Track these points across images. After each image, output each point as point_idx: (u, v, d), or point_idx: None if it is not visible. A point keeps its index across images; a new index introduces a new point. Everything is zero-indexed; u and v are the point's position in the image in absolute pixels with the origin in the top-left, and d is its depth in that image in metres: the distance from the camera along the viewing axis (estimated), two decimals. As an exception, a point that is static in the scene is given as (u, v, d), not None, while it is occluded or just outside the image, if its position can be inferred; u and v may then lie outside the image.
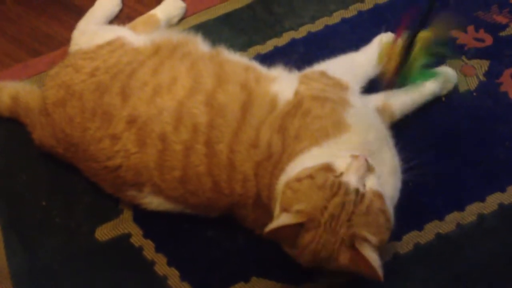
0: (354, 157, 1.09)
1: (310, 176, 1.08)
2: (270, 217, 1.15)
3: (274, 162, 1.19)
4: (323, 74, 1.34)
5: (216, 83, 1.28)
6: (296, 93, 1.28)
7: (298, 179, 1.09)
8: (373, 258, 1.03)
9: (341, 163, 1.09)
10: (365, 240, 1.05)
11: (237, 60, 1.37)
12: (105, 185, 1.36)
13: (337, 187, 1.06)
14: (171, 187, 1.27)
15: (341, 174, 1.08)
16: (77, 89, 1.34)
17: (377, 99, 1.38)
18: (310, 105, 1.24)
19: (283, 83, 1.31)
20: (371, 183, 1.08)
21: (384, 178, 1.15)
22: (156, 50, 1.39)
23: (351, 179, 1.06)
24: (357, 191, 1.05)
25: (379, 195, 1.07)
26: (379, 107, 1.36)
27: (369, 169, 1.09)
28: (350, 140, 1.17)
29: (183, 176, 1.25)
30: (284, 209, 1.09)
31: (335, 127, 1.19)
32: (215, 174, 1.23)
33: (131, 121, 1.27)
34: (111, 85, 1.31)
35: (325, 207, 1.05)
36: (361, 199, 1.05)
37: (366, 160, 1.08)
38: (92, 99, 1.31)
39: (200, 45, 1.43)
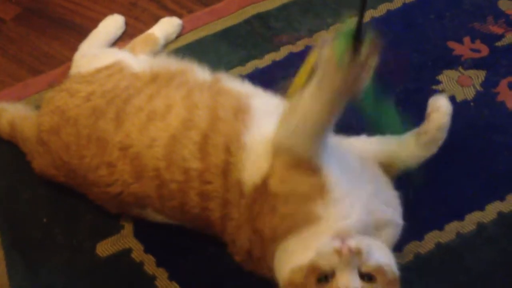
0: (338, 252, 1.01)
1: (302, 286, 1.03)
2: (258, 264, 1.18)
3: (259, 257, 1.18)
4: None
5: (209, 121, 1.22)
6: (263, 180, 1.14)
7: (293, 285, 1.05)
8: None
9: (325, 261, 1.02)
10: None
11: (232, 94, 1.29)
12: (109, 206, 1.37)
13: None
14: (171, 212, 1.28)
15: (332, 273, 1.02)
16: (71, 115, 1.32)
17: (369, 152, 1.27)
18: (275, 202, 1.12)
19: (252, 157, 1.18)
20: (366, 262, 1.03)
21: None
22: (154, 78, 1.36)
23: (346, 283, 1.00)
24: None
25: (378, 270, 1.03)
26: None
27: (358, 252, 1.02)
28: (326, 227, 1.08)
29: (182, 208, 1.24)
30: None
31: (303, 221, 1.09)
32: (210, 222, 1.22)
33: (124, 148, 1.25)
34: (106, 110, 1.30)
35: None
36: None
37: (351, 250, 1.01)
38: (87, 125, 1.30)
39: (198, 73, 1.38)
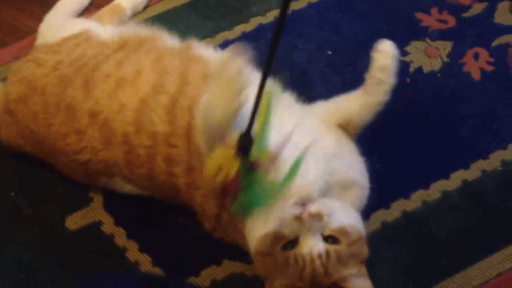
0: (299, 219, 1.03)
1: (269, 255, 1.06)
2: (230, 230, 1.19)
3: (228, 222, 1.18)
4: None
5: (179, 86, 1.22)
6: None
7: (260, 253, 1.08)
8: (362, 286, 1.06)
9: (287, 229, 1.05)
10: (348, 277, 1.05)
11: (203, 59, 1.29)
12: (76, 176, 1.36)
13: (301, 261, 1.04)
14: (139, 180, 1.27)
15: (296, 239, 1.04)
16: (39, 84, 1.31)
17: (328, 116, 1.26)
18: None
19: None
20: (328, 225, 1.05)
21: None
22: (123, 44, 1.35)
23: (309, 248, 1.03)
24: (320, 254, 1.03)
25: (341, 232, 1.05)
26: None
27: (318, 217, 1.04)
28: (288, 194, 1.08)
29: (149, 175, 1.24)
30: (264, 277, 1.10)
31: None
32: (176, 189, 1.22)
33: (94, 115, 1.24)
34: (74, 78, 1.29)
35: (301, 277, 1.05)
36: (327, 255, 1.04)
37: (311, 215, 1.03)
38: (55, 93, 1.29)
39: (168, 40, 1.37)
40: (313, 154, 1.11)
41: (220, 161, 0.98)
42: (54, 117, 1.28)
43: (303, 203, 1.05)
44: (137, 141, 1.21)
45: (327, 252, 1.04)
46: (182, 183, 1.21)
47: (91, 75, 1.28)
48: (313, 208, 1.04)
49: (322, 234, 1.05)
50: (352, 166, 1.21)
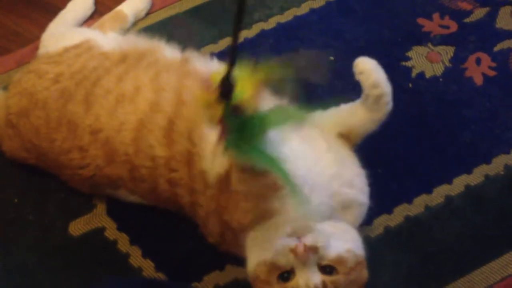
0: (293, 252, 1.01)
1: (266, 283, 1.04)
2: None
3: (232, 239, 1.18)
4: None
5: (174, 106, 1.21)
6: (226, 171, 1.12)
7: (257, 279, 1.06)
8: None
9: (283, 260, 1.02)
10: None
11: (198, 76, 1.25)
12: (81, 187, 1.36)
13: None
14: (144, 193, 1.28)
15: (292, 269, 1.02)
16: (40, 97, 1.30)
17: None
18: (236, 197, 1.11)
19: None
20: (325, 256, 1.02)
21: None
22: (123, 58, 1.34)
23: (305, 281, 1.01)
24: (316, 287, 1.00)
25: (338, 261, 1.02)
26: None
27: (314, 250, 1.01)
28: (286, 219, 1.08)
29: (153, 190, 1.24)
30: None
31: (263, 216, 1.10)
32: (180, 206, 1.23)
33: (94, 132, 1.24)
34: (75, 92, 1.28)
35: None
36: (324, 286, 1.01)
37: (306, 249, 1.00)
38: (56, 108, 1.28)
39: (168, 52, 1.35)
40: (313, 180, 1.10)
41: (204, 106, 0.90)
42: (56, 132, 1.28)
43: (298, 233, 1.02)
44: (138, 162, 1.22)
45: (324, 284, 1.00)
46: (186, 202, 1.21)
47: (91, 90, 1.27)
48: (308, 240, 1.01)
49: (318, 265, 1.02)
50: (351, 184, 1.16)
